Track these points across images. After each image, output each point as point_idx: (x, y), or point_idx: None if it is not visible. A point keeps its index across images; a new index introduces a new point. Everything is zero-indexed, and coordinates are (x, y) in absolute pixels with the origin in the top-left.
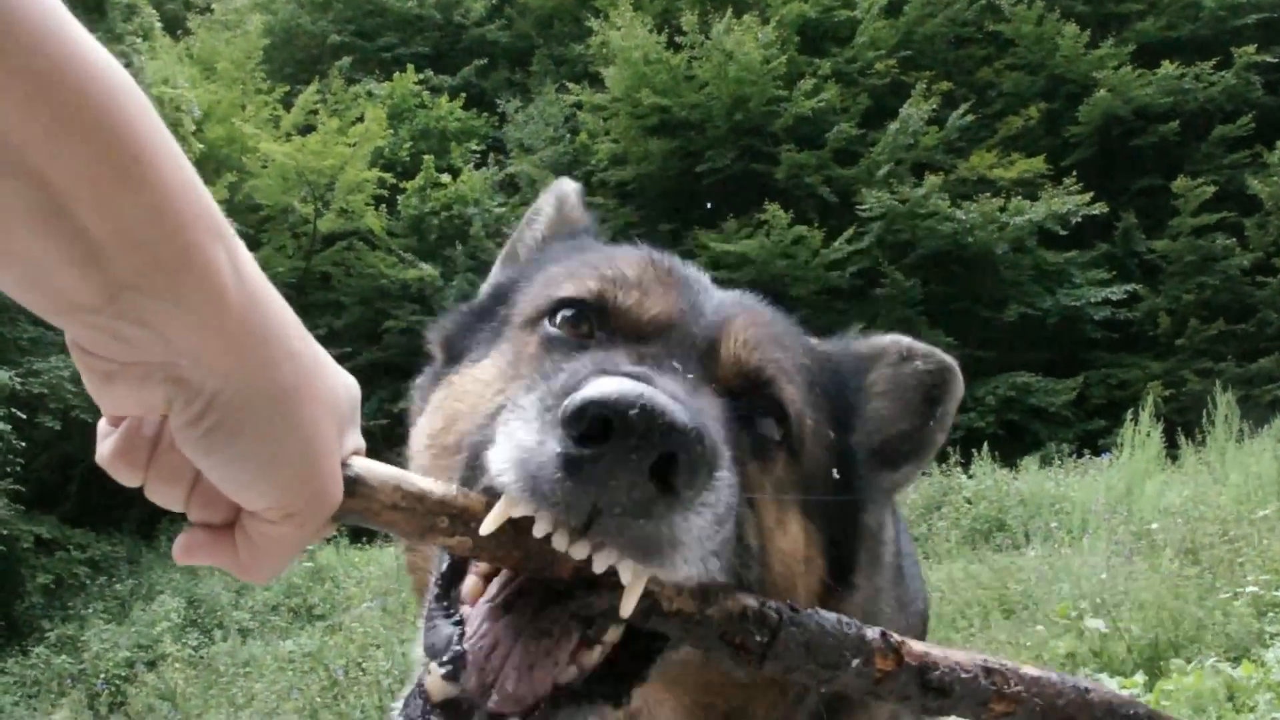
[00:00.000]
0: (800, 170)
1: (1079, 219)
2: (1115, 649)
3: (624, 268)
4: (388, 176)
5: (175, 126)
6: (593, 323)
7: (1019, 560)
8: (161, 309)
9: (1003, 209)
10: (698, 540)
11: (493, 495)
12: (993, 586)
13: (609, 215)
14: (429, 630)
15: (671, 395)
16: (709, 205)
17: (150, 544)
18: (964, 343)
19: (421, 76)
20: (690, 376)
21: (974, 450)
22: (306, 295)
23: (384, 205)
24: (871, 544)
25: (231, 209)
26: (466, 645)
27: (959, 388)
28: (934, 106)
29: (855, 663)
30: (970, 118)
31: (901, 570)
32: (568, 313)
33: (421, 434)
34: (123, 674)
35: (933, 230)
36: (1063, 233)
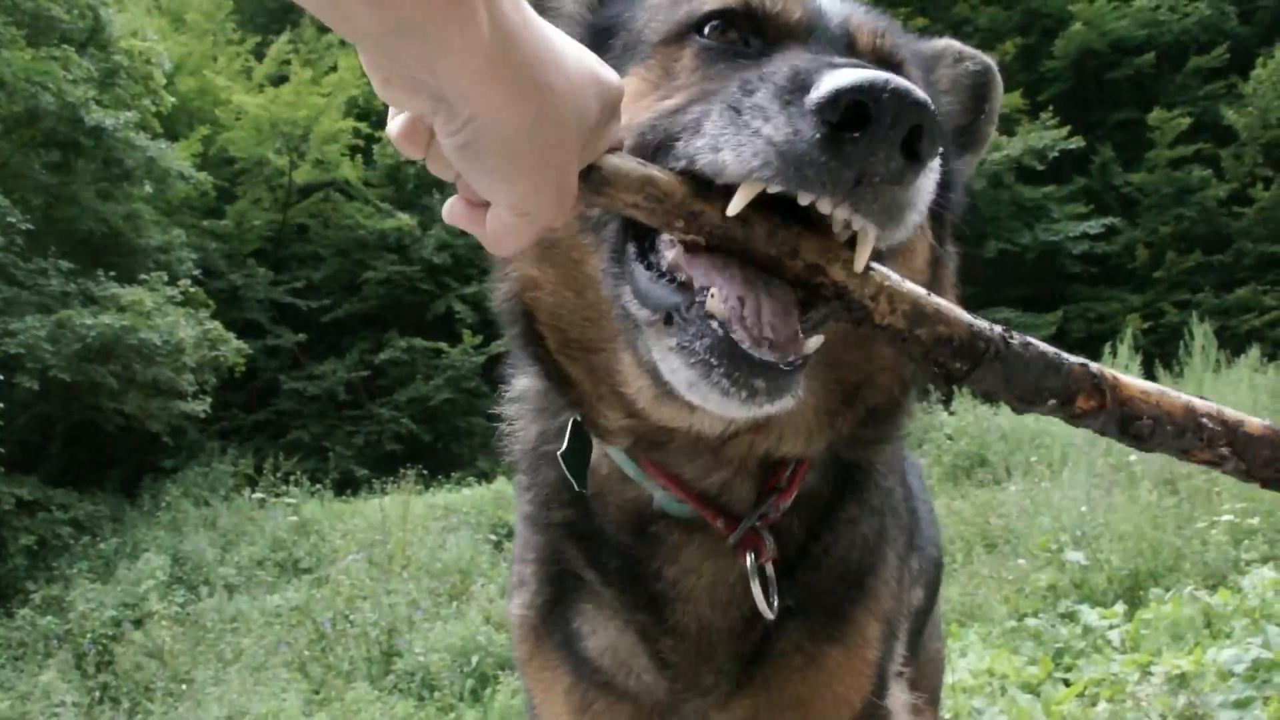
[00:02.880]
0: None
1: (1056, 153)
2: (1095, 580)
3: None
4: (363, 126)
5: (146, 80)
6: (742, 31)
7: (1000, 495)
8: (427, 47)
9: None
10: (923, 201)
11: (704, 181)
12: (975, 521)
13: None
14: (638, 291)
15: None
16: None
17: (133, 502)
18: None
19: None
20: None
21: (954, 387)
22: (284, 248)
23: (360, 155)
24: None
25: (205, 162)
26: (711, 298)
27: (1000, 85)
28: None
29: (1051, 402)
30: None
31: (916, 512)
32: (715, 24)
33: None
34: (109, 633)
35: None
36: (1040, 168)
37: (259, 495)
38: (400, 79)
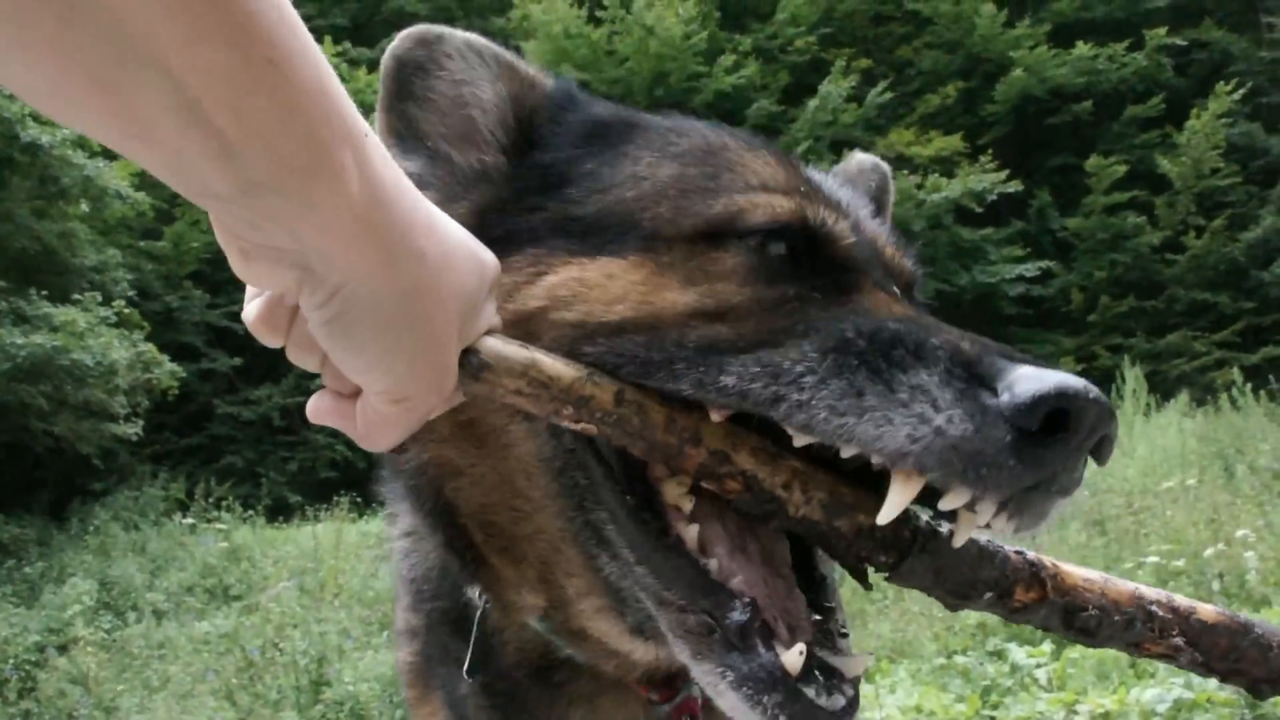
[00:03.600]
0: None
1: (995, 197)
2: None
3: (798, 181)
4: None
5: None
6: (791, 245)
7: None
8: (288, 206)
9: (920, 186)
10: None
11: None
12: None
13: None
14: (652, 566)
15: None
16: None
17: (61, 526)
18: None
19: (340, 48)
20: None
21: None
22: (221, 270)
23: None
24: None
25: (143, 182)
26: (757, 603)
27: (890, 193)
28: (853, 84)
29: (988, 595)
30: (889, 95)
31: None
32: (757, 236)
33: (508, 303)
34: (33, 659)
35: None
36: (979, 210)
37: (190, 520)
38: (259, 249)
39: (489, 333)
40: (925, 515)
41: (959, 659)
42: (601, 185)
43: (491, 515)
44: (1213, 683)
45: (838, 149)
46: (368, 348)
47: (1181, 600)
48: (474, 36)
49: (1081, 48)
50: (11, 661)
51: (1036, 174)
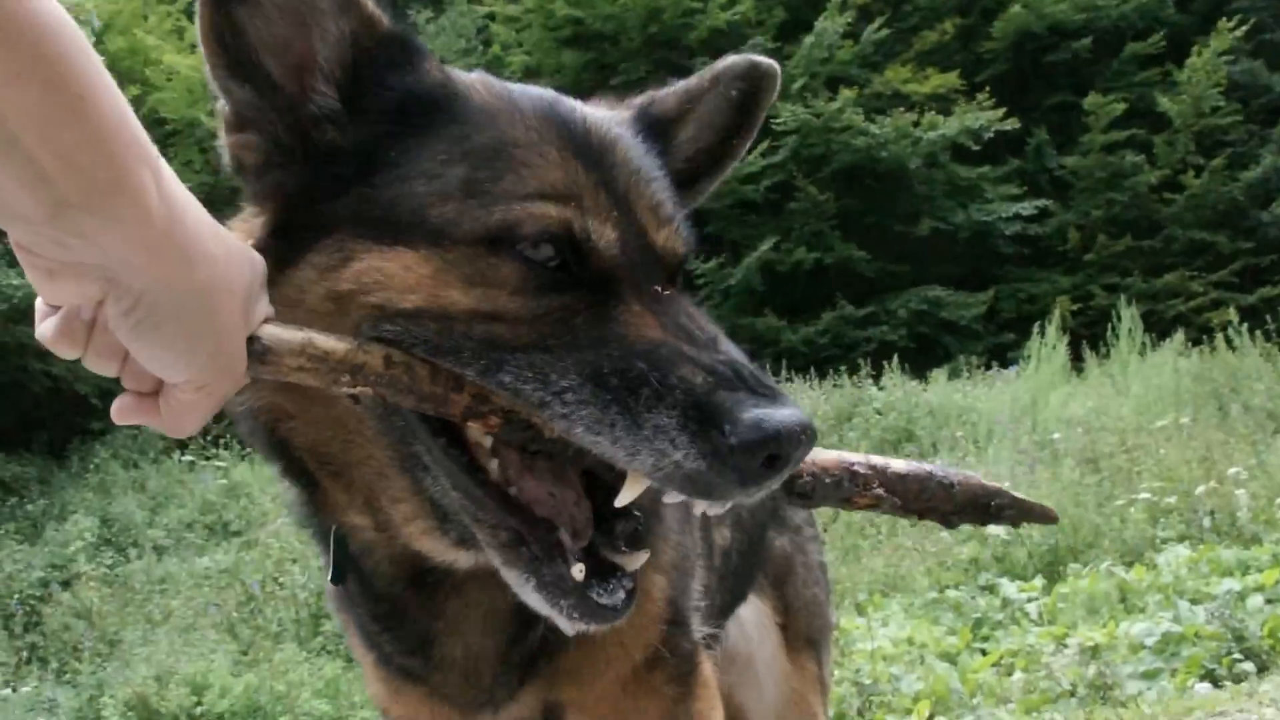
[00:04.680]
0: None
1: (991, 134)
2: (1017, 554)
3: (574, 183)
4: None
5: None
6: (561, 250)
7: None
8: (96, 223)
9: (916, 124)
10: None
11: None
12: None
13: None
14: (469, 495)
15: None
16: None
17: (62, 464)
18: (877, 257)
19: None
20: (666, 292)
21: (885, 362)
22: (215, 210)
23: None
24: None
25: None
26: (553, 523)
27: (774, 89)
28: (849, 20)
29: None
30: (885, 32)
31: None
32: (530, 241)
33: (322, 281)
34: (37, 594)
35: (847, 144)
36: (975, 148)
37: (189, 458)
38: (65, 267)
39: (266, 321)
40: None
41: (951, 593)
42: (398, 175)
43: (324, 446)
44: (1200, 617)
45: (834, 86)
46: (172, 344)
47: (877, 458)
48: None
49: None
50: (17, 596)
51: (1034, 112)
